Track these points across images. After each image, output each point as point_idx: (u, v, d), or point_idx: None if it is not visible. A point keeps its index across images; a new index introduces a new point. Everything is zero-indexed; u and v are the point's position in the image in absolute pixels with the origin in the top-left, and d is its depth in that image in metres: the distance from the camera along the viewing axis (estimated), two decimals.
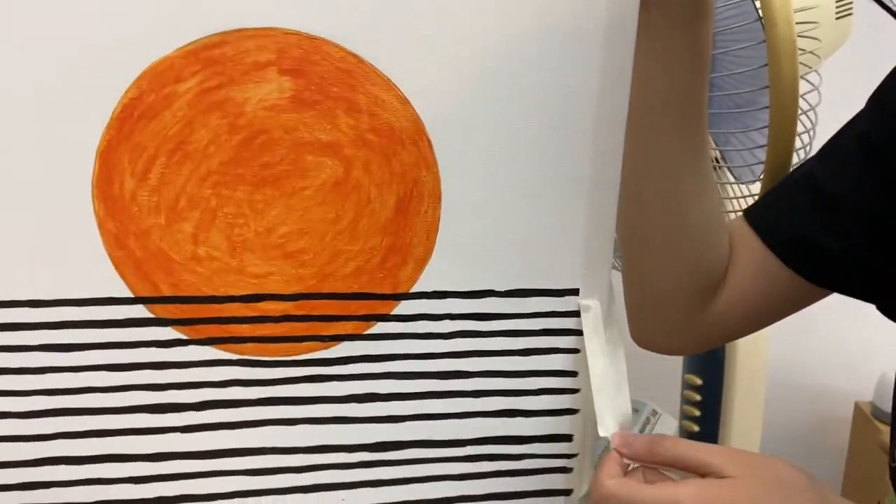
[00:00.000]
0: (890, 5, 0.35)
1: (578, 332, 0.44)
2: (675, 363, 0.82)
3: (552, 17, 0.39)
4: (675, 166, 0.45)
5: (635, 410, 0.67)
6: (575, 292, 0.44)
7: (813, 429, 1.26)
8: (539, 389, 0.45)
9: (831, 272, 0.47)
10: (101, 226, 0.39)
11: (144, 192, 0.39)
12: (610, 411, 0.41)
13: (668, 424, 0.67)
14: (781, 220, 0.48)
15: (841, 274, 0.47)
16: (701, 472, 0.37)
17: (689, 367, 0.80)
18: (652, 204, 0.47)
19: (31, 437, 0.41)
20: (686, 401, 0.81)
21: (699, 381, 0.79)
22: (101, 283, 0.39)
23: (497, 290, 0.43)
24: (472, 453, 0.45)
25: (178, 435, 0.42)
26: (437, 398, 0.44)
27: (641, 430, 0.64)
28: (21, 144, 0.37)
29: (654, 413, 0.69)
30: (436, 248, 0.42)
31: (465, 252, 0.42)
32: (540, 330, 0.44)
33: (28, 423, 0.41)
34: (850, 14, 0.66)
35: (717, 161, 0.65)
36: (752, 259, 0.49)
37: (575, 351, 0.45)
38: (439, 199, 0.42)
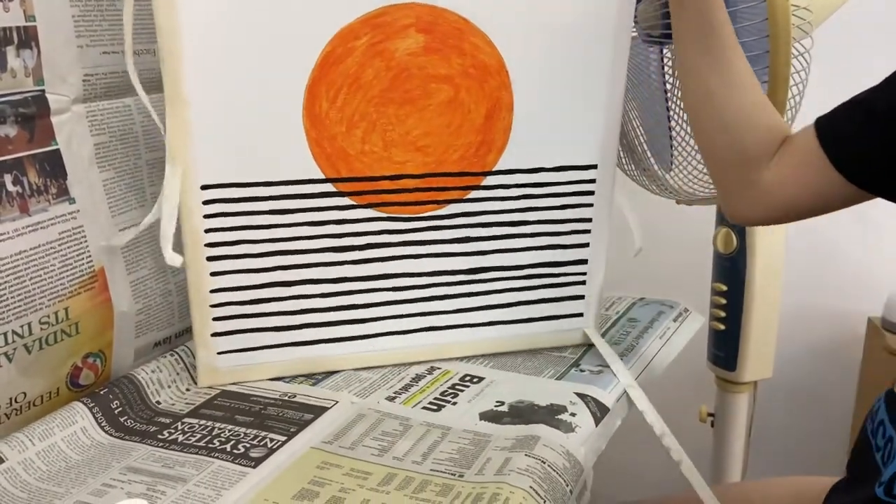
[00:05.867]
0: None
1: (593, 193, 0.69)
2: (705, 273, 0.98)
3: None
4: (701, 73, 0.60)
5: (670, 307, 0.82)
6: (594, 167, 0.69)
7: (828, 347, 1.30)
8: (570, 231, 0.71)
9: (872, 176, 0.55)
10: (307, 133, 0.61)
11: (334, 110, 0.61)
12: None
13: (697, 319, 0.80)
14: (837, 128, 0.57)
15: (882, 178, 0.55)
16: None
17: (716, 277, 0.95)
18: (694, 101, 0.62)
19: (260, 269, 0.64)
20: (714, 304, 0.96)
21: (724, 288, 0.92)
22: (306, 168, 0.62)
23: (546, 166, 0.68)
24: (528, 273, 0.71)
25: (350, 266, 0.66)
26: (509, 239, 0.69)
27: (675, 321, 0.79)
28: (262, 82, 0.59)
29: (686, 310, 0.81)
30: (509, 141, 0.66)
31: (527, 143, 0.66)
32: (571, 192, 0.69)
33: (259, 260, 0.64)
34: None
35: None
36: (808, 152, 0.58)
37: (591, 205, 0.70)
38: (512, 110, 0.65)
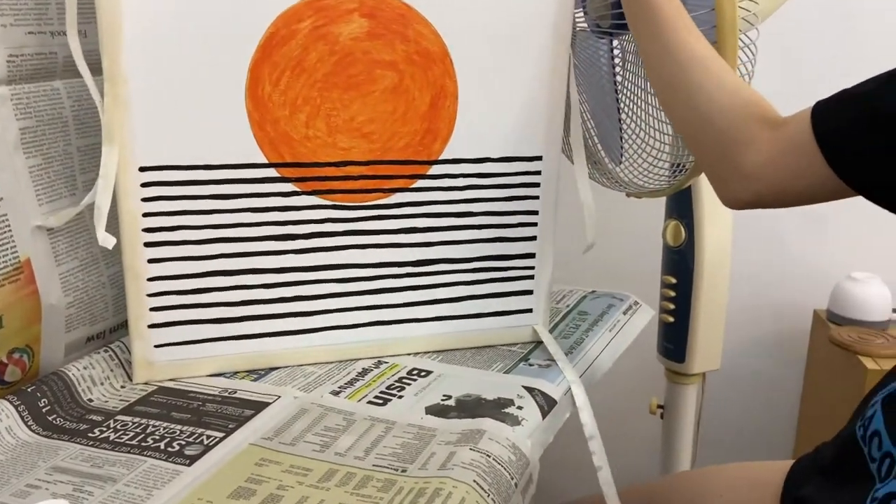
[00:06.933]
0: None
1: (538, 185, 0.69)
2: (655, 266, 0.99)
3: None
4: (657, 60, 0.60)
5: (620, 300, 0.81)
6: (539, 158, 0.69)
7: (775, 340, 1.33)
8: (517, 223, 0.70)
9: (864, 176, 0.52)
10: (249, 116, 0.60)
11: (277, 93, 0.60)
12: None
13: (647, 312, 0.80)
14: (833, 121, 0.54)
15: (874, 180, 0.52)
16: None
17: (666, 270, 0.95)
18: (658, 89, 0.62)
19: (201, 257, 0.62)
20: (663, 297, 0.96)
21: (673, 280, 0.93)
22: (248, 153, 0.61)
23: (492, 157, 0.68)
24: (476, 266, 0.70)
25: (293, 255, 0.65)
26: (455, 230, 0.69)
27: (625, 313, 0.79)
28: (203, 63, 0.58)
29: (636, 303, 0.81)
30: (454, 130, 0.66)
31: (472, 133, 0.66)
32: (518, 184, 0.69)
33: (199, 248, 0.62)
34: None
35: None
36: (801, 143, 0.54)
37: (537, 198, 0.70)
38: (457, 98, 0.65)
